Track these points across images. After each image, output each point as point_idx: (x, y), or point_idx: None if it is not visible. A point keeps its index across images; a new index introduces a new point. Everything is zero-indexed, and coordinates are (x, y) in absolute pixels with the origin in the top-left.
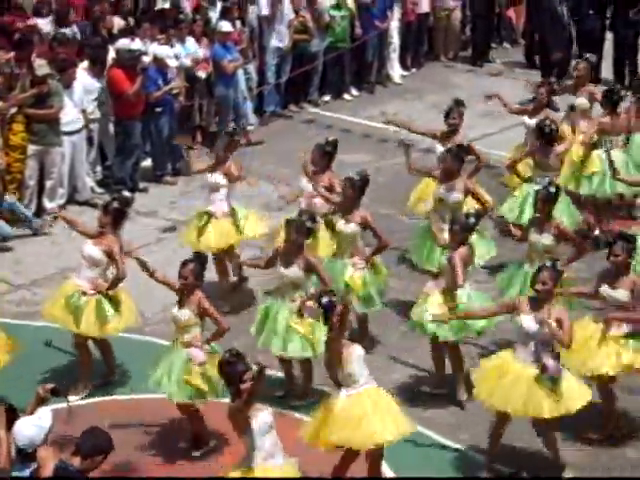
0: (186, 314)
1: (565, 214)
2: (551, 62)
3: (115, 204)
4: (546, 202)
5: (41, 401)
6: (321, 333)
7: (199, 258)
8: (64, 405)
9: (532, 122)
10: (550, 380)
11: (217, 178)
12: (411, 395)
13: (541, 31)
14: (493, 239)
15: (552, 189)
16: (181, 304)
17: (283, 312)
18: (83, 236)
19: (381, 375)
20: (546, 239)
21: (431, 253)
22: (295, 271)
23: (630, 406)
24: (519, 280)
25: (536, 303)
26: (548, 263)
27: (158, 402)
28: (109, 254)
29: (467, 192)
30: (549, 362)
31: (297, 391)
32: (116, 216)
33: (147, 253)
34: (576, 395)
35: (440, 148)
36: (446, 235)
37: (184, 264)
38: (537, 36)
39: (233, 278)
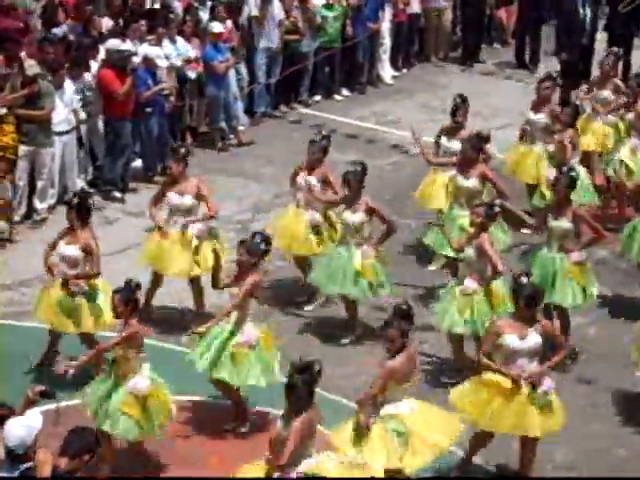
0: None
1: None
2: (560, 62)
3: (76, 199)
4: (566, 187)
5: (30, 403)
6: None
7: (129, 285)
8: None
9: (536, 117)
10: (543, 396)
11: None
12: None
13: (557, 32)
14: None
15: (573, 174)
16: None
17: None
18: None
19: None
20: (564, 223)
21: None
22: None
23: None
24: (538, 265)
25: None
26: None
27: None
28: (86, 250)
29: (484, 180)
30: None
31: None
32: (80, 210)
33: (137, 253)
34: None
35: (445, 141)
36: (466, 220)
37: (114, 293)
38: (528, 38)
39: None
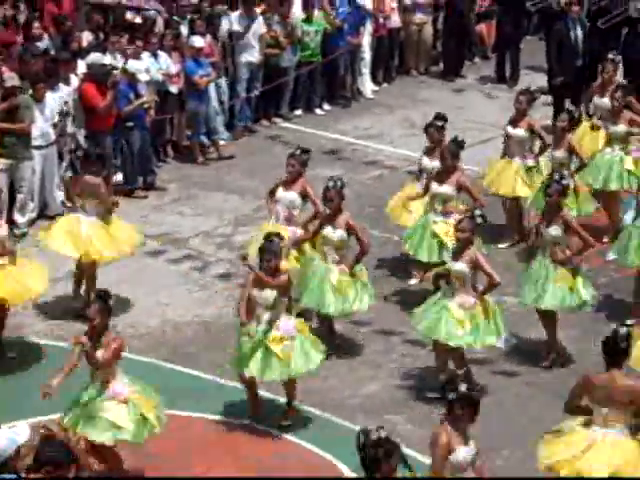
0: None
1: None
2: (552, 86)
3: None
4: (557, 195)
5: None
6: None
7: (104, 295)
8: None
9: (515, 131)
10: None
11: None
12: (386, 407)
13: (547, 56)
14: None
15: (565, 182)
16: (97, 345)
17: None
18: None
19: (358, 387)
20: (554, 231)
21: (422, 242)
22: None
23: None
24: (535, 272)
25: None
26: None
27: None
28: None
29: (460, 187)
30: None
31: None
32: None
33: (117, 267)
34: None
35: (427, 161)
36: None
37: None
38: (508, 53)
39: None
